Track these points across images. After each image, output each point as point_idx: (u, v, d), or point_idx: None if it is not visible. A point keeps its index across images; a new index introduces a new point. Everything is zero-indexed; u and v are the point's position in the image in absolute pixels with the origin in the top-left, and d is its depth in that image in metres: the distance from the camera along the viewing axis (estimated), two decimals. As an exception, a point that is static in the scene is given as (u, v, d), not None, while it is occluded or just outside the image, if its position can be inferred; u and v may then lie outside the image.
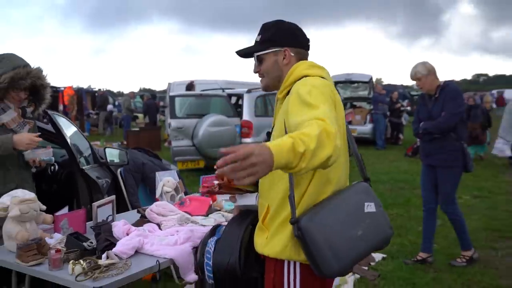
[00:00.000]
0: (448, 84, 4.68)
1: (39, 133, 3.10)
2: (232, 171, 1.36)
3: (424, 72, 4.64)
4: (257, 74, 2.14)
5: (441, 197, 4.72)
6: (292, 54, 2.05)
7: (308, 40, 2.15)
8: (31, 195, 2.67)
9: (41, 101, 3.15)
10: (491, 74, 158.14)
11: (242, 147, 1.37)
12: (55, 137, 3.91)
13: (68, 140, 3.86)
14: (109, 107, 21.97)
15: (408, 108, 21.79)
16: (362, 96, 17.49)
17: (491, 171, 10.59)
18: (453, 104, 4.52)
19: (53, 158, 3.13)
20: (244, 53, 2.15)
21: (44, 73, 3.05)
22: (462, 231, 4.80)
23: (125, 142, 14.06)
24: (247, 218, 2.10)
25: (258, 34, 2.12)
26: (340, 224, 1.81)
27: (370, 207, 1.93)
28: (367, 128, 15.39)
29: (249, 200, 2.27)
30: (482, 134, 11.26)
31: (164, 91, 24.81)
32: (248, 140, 9.96)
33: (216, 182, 2.02)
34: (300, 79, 1.95)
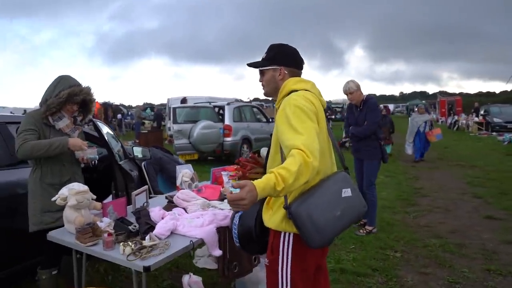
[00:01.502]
0: (369, 98, 4.35)
1: (87, 142, 2.72)
2: (233, 206, 1.45)
3: (355, 88, 4.28)
4: (260, 83, 1.91)
5: (365, 182, 4.36)
6: (286, 72, 1.82)
7: (302, 62, 1.88)
8: (84, 187, 2.28)
9: (88, 112, 2.73)
10: (378, 94, 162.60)
11: (241, 192, 1.40)
12: (97, 139, 3.45)
13: (108, 141, 3.41)
14: (119, 116, 21.40)
15: (332, 116, 21.92)
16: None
17: (391, 159, 10.59)
18: (372, 115, 4.24)
19: (97, 156, 2.71)
20: (253, 66, 1.91)
21: (92, 91, 2.63)
22: (373, 210, 4.36)
23: (137, 141, 13.28)
24: (260, 200, 1.86)
25: (265, 53, 1.87)
26: (322, 208, 1.63)
27: (346, 192, 1.73)
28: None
29: None
30: (389, 137, 11.23)
31: (161, 104, 24.04)
32: (228, 138, 9.57)
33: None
34: (289, 93, 1.75)
